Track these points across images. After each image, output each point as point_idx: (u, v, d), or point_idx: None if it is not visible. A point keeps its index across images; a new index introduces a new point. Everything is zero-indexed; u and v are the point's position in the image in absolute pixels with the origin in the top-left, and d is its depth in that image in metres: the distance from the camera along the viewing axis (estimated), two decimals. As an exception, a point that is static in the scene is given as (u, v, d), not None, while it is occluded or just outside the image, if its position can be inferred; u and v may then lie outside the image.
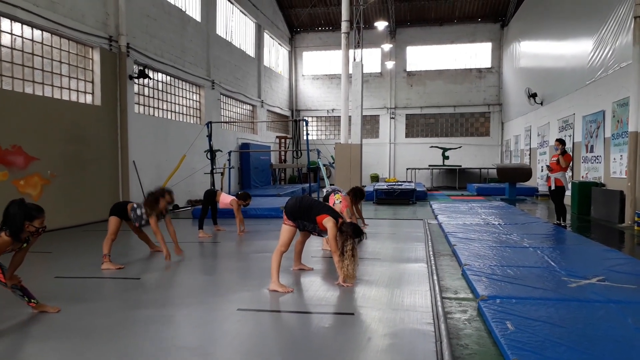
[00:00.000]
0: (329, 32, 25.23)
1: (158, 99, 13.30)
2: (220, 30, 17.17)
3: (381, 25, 20.41)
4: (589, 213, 10.84)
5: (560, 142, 8.98)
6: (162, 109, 13.52)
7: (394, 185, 15.87)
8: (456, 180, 22.63)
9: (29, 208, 3.66)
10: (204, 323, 3.73)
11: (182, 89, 14.65)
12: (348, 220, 5.17)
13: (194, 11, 15.32)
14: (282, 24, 24.58)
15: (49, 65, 9.44)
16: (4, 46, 8.42)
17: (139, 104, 12.25)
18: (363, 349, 3.18)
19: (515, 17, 21.40)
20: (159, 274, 5.58)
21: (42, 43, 9.25)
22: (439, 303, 4.07)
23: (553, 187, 9.03)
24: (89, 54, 10.50)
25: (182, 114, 14.67)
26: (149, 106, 12.81)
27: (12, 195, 4.26)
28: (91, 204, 10.01)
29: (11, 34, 8.58)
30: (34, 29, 9.03)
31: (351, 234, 4.49)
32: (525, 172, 16.39)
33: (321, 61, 25.91)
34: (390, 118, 25.01)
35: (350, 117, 11.84)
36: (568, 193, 9.98)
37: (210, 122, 13.30)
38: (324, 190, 8.00)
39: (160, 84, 13.37)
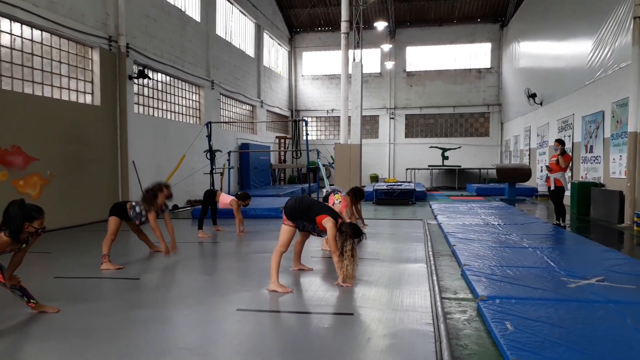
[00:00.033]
0: (329, 32, 25.23)
1: (158, 99, 13.29)
2: (219, 31, 17.18)
3: (381, 25, 20.44)
4: (588, 213, 10.85)
5: (560, 142, 8.98)
6: (162, 109, 13.52)
7: (394, 185, 15.85)
8: (456, 180, 22.63)
9: (29, 209, 3.66)
10: (203, 323, 3.73)
11: (182, 89, 14.65)
12: (347, 220, 5.18)
13: (194, 11, 15.32)
14: (282, 24, 24.58)
15: (49, 65, 9.44)
16: (3, 46, 8.42)
17: (138, 104, 12.25)
18: (362, 349, 3.18)
19: (515, 17, 21.40)
20: (159, 274, 5.59)
21: (41, 43, 9.25)
22: (439, 303, 4.07)
23: (552, 188, 9.02)
24: (89, 54, 10.50)
25: (182, 114, 14.66)
26: (148, 106, 12.81)
27: (11, 196, 4.27)
28: (91, 204, 10.01)
29: (11, 34, 8.57)
30: (34, 29, 9.03)
31: (351, 234, 4.49)
32: (524, 173, 16.39)
33: (321, 61, 25.90)
34: (390, 118, 25.01)
35: (349, 117, 11.84)
36: (567, 193, 9.98)
37: (210, 122, 13.32)
38: (324, 190, 8.00)
39: (159, 84, 13.37)
